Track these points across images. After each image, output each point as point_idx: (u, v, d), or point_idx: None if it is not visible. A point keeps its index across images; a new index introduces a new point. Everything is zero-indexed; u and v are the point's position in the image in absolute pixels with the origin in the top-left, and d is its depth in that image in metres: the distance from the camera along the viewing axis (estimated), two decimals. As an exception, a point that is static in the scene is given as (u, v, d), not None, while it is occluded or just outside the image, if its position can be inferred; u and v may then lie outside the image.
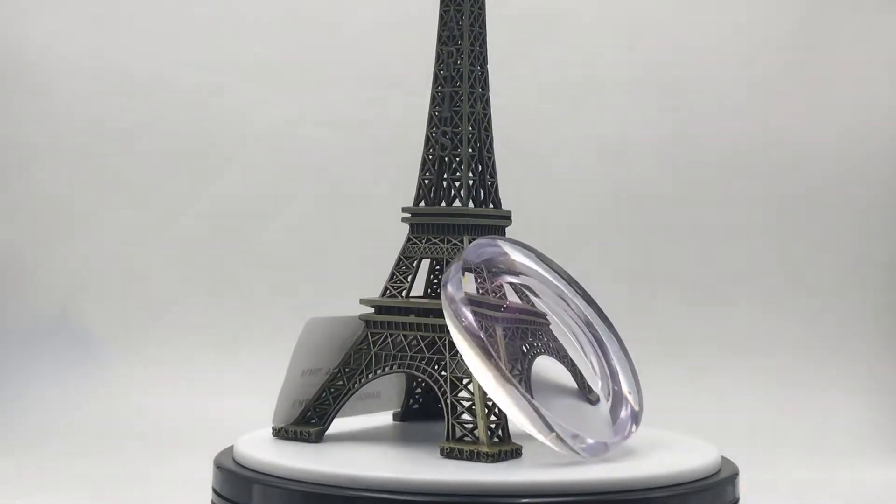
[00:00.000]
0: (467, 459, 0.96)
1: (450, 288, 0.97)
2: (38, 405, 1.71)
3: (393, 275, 1.08)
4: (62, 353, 1.77)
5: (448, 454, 0.97)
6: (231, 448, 1.04)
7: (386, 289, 1.08)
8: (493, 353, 0.94)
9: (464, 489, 0.89)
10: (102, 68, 1.84)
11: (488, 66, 1.10)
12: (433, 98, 1.09)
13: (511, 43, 1.84)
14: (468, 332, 0.94)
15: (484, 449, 0.96)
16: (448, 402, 0.99)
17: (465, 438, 0.98)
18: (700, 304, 1.81)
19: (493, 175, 1.11)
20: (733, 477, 1.00)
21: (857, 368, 1.77)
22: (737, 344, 1.79)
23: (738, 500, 1.00)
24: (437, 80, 1.09)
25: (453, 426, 0.98)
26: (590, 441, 0.97)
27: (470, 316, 0.95)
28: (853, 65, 1.84)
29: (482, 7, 1.10)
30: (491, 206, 1.10)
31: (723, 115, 1.85)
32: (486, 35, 1.10)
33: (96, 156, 1.84)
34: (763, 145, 1.84)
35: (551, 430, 0.94)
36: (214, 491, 1.01)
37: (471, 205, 1.08)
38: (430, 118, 1.09)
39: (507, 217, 1.11)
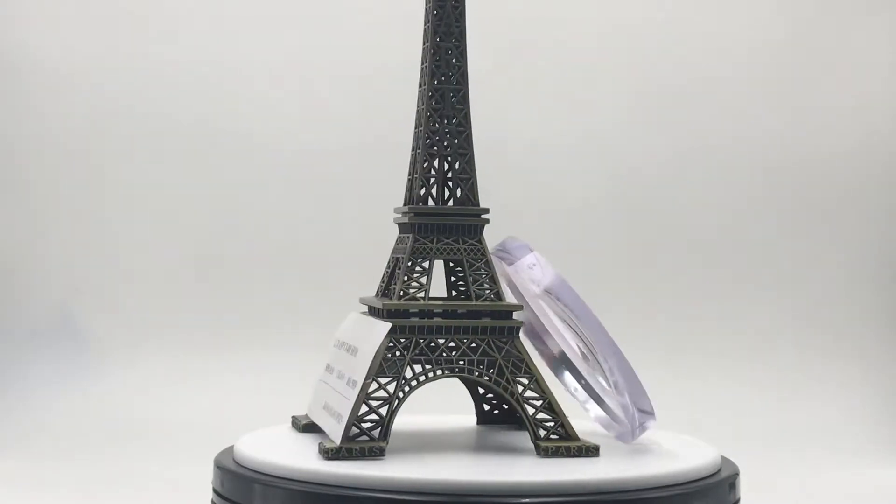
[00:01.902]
0: (576, 456, 0.98)
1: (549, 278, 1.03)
2: (37, 405, 1.71)
3: (405, 276, 1.04)
4: (61, 353, 1.77)
5: (555, 453, 0.98)
6: (231, 448, 1.04)
7: (402, 291, 1.03)
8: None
9: (464, 489, 0.89)
10: (102, 68, 1.84)
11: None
12: (431, 94, 1.06)
13: (510, 43, 1.84)
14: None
15: (592, 444, 0.99)
16: (522, 403, 1.00)
17: (553, 437, 0.99)
18: (700, 303, 1.81)
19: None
20: (733, 477, 1.00)
21: (858, 369, 1.77)
22: (737, 344, 1.79)
23: (738, 500, 1.00)
24: (435, 75, 1.06)
25: (536, 425, 0.99)
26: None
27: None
28: (853, 65, 1.84)
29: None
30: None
31: (723, 115, 1.85)
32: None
33: (96, 156, 1.84)
34: (763, 146, 1.84)
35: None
36: (214, 491, 1.01)
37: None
38: (430, 115, 1.06)
39: None
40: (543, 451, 0.98)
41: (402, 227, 1.08)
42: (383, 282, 1.09)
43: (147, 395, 1.73)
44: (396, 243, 1.09)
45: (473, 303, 1.03)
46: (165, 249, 1.82)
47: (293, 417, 1.12)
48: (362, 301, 1.10)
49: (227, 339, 1.78)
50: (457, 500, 0.88)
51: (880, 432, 1.70)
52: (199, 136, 1.84)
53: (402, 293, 1.02)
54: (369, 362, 0.98)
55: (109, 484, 1.47)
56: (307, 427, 1.07)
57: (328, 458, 0.94)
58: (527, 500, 0.89)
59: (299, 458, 0.97)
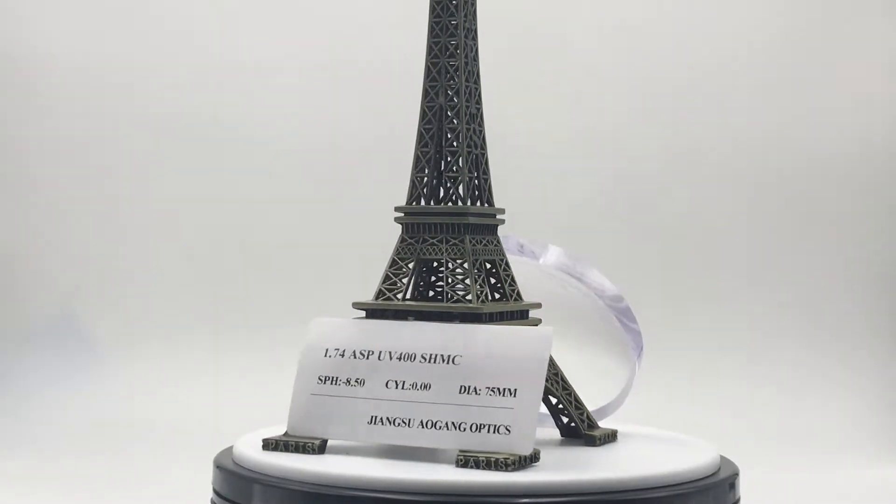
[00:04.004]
0: (612, 442, 1.05)
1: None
2: (37, 405, 1.71)
3: (475, 279, 1.01)
4: (62, 353, 1.77)
5: (608, 440, 1.05)
6: (231, 448, 1.04)
7: (476, 294, 1.00)
8: None
9: (461, 489, 0.89)
10: (102, 68, 1.84)
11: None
12: (459, 93, 1.03)
13: (510, 44, 1.84)
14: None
15: (618, 429, 1.07)
16: (565, 398, 1.03)
17: (588, 427, 1.05)
18: (700, 303, 1.81)
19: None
20: (733, 477, 1.00)
21: (858, 368, 1.77)
22: (736, 344, 1.79)
23: (738, 500, 1.00)
24: (462, 73, 1.03)
25: (579, 419, 1.04)
26: None
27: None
28: (853, 67, 1.84)
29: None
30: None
31: (723, 117, 1.85)
32: None
33: (96, 156, 1.84)
34: (763, 147, 1.84)
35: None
36: (214, 491, 1.01)
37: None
38: (459, 114, 1.03)
39: None
40: (600, 441, 1.04)
41: (421, 228, 1.04)
42: (394, 284, 1.04)
43: (147, 395, 1.73)
44: (406, 244, 1.05)
45: (521, 303, 1.04)
46: (165, 249, 1.82)
47: (268, 441, 1.00)
48: (357, 305, 1.05)
49: (226, 339, 1.78)
50: (451, 500, 0.88)
51: (880, 432, 1.69)
52: (199, 136, 1.84)
53: (475, 296, 1.00)
54: (543, 370, 0.95)
55: (109, 484, 1.47)
56: (321, 447, 0.99)
57: (516, 469, 0.92)
58: (525, 500, 0.89)
59: (299, 458, 0.97)
